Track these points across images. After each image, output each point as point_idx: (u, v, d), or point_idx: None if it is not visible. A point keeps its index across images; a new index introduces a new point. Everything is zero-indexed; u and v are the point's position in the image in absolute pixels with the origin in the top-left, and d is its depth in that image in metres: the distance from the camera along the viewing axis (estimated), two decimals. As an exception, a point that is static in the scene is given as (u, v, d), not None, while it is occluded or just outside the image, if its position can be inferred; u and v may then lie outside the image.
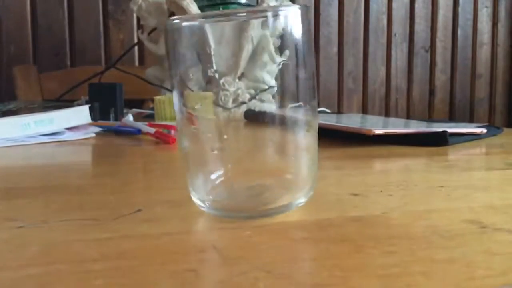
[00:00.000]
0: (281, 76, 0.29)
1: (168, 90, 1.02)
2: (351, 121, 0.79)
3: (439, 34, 2.09)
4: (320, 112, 1.09)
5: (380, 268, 0.22)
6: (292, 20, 0.29)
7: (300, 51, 0.29)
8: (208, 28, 0.28)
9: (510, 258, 0.23)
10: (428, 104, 2.10)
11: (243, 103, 0.29)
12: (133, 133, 0.73)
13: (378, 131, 0.59)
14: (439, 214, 0.31)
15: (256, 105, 0.29)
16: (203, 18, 0.29)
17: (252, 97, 0.29)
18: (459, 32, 2.11)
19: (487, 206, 0.33)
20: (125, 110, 0.95)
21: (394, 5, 2.01)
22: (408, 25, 2.04)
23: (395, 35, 2.02)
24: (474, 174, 0.44)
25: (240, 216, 0.29)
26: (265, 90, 0.29)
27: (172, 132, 0.68)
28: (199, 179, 0.31)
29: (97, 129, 0.76)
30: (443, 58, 2.11)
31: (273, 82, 0.29)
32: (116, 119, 0.89)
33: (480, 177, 0.43)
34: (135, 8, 1.02)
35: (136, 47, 1.63)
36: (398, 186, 0.39)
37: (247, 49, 0.32)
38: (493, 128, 0.75)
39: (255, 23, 0.28)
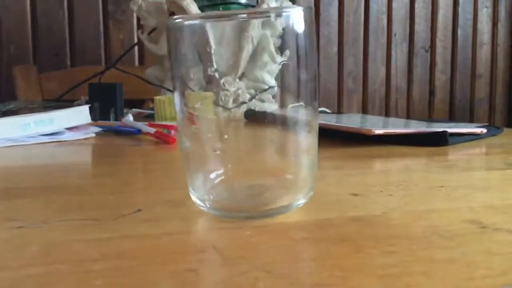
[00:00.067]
0: (281, 76, 0.29)
1: (168, 90, 1.02)
2: (351, 121, 0.79)
3: (439, 34, 2.09)
4: (320, 112, 1.09)
5: (380, 268, 0.22)
6: (295, 21, 0.29)
7: (302, 52, 0.29)
8: (209, 27, 0.28)
9: (510, 258, 0.23)
10: (428, 104, 2.10)
11: (244, 103, 0.29)
12: (133, 133, 0.73)
13: (378, 131, 0.59)
14: (439, 214, 0.31)
15: (256, 105, 0.29)
16: (205, 18, 0.29)
17: (253, 97, 0.29)
18: (459, 32, 2.11)
19: (487, 206, 0.33)
20: (125, 110, 0.95)
21: (394, 5, 2.01)
22: (408, 25, 2.04)
23: (395, 35, 2.02)
24: (474, 174, 0.44)
25: (240, 216, 0.30)
26: (265, 90, 0.29)
27: (172, 132, 0.68)
28: (199, 179, 0.31)
29: (97, 129, 0.76)
30: (443, 58, 2.11)
31: (273, 82, 0.29)
32: (116, 119, 0.89)
33: (480, 177, 0.43)
34: (135, 8, 1.02)
35: (136, 47, 1.63)
36: (398, 186, 0.39)
37: (248, 49, 0.32)
38: (493, 128, 0.75)
39: (256, 23, 0.28)
